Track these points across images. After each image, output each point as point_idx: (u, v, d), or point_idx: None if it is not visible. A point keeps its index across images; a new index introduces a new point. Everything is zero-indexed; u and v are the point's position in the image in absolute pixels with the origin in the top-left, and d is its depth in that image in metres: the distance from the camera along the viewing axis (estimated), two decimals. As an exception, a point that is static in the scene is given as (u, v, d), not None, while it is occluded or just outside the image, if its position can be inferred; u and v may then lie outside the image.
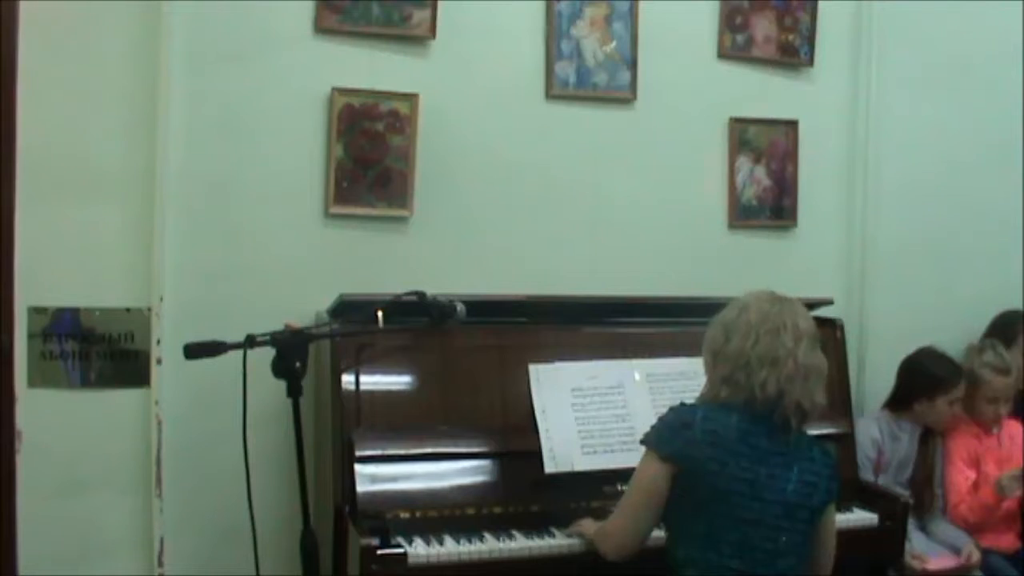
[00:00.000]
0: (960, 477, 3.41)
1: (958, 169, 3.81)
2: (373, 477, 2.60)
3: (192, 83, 2.92)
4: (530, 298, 2.98)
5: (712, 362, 2.41)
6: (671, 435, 2.33)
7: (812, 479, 2.35)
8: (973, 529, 3.34)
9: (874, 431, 3.36)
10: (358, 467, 2.59)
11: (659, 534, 2.44)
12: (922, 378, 3.37)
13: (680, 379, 2.86)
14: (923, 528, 3.36)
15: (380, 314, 2.61)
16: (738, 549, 2.27)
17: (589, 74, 3.33)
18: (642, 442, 2.38)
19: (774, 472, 2.30)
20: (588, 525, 2.58)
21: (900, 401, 3.43)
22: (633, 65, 3.36)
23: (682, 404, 2.41)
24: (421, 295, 2.63)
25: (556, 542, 2.58)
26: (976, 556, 3.23)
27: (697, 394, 2.79)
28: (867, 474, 3.25)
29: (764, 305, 2.39)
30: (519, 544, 2.57)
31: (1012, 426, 3.53)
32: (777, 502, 2.29)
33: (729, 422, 2.30)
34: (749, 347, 2.32)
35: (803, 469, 2.34)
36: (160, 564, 2.88)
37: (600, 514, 2.58)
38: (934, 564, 3.19)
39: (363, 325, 2.65)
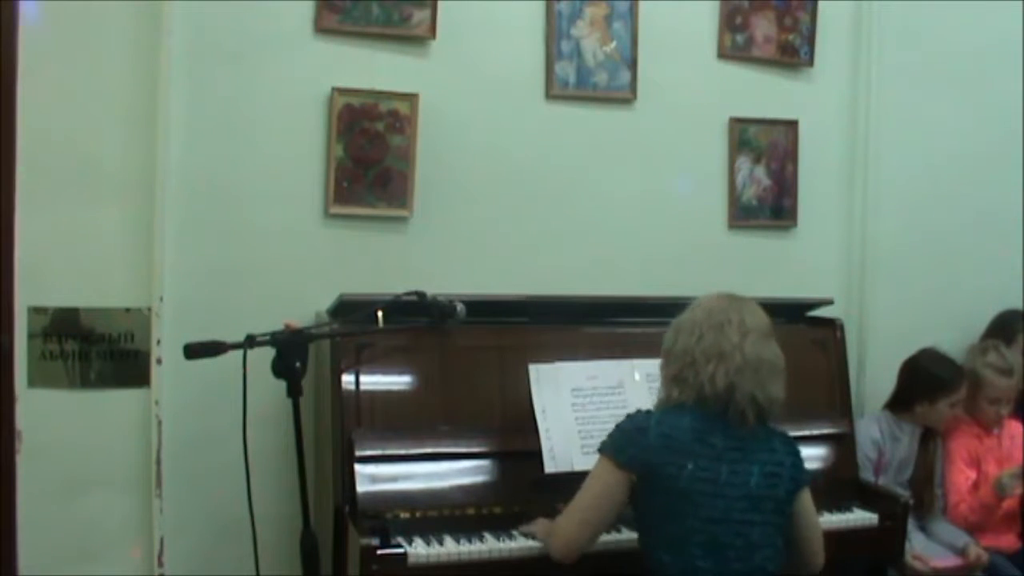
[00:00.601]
0: (961, 477, 3.41)
1: (958, 169, 3.82)
2: (373, 477, 2.60)
3: (192, 83, 2.92)
4: (530, 298, 2.98)
5: (664, 363, 2.43)
6: (626, 442, 2.34)
7: (775, 470, 2.35)
8: (974, 529, 3.35)
9: (874, 432, 3.36)
10: (358, 467, 2.59)
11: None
12: (923, 380, 3.36)
13: (680, 379, 2.86)
14: (923, 528, 3.36)
15: (380, 314, 2.61)
16: (708, 549, 2.27)
17: (589, 74, 3.33)
18: (599, 450, 2.38)
19: (735, 468, 2.31)
20: (542, 526, 2.57)
21: (901, 402, 3.42)
22: (633, 65, 3.36)
23: (637, 411, 2.42)
24: (421, 295, 2.64)
25: (556, 542, 2.58)
26: (985, 557, 3.23)
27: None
28: (867, 474, 3.24)
29: (712, 303, 2.42)
30: (519, 544, 2.57)
31: (1013, 426, 3.53)
32: (742, 497, 2.30)
33: (683, 424, 2.31)
34: (694, 343, 2.35)
35: (765, 461, 2.34)
36: (160, 564, 2.88)
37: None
38: (938, 563, 3.19)
39: (363, 325, 2.65)
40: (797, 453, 2.43)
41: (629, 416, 2.41)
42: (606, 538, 2.58)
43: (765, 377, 2.34)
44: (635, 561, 2.45)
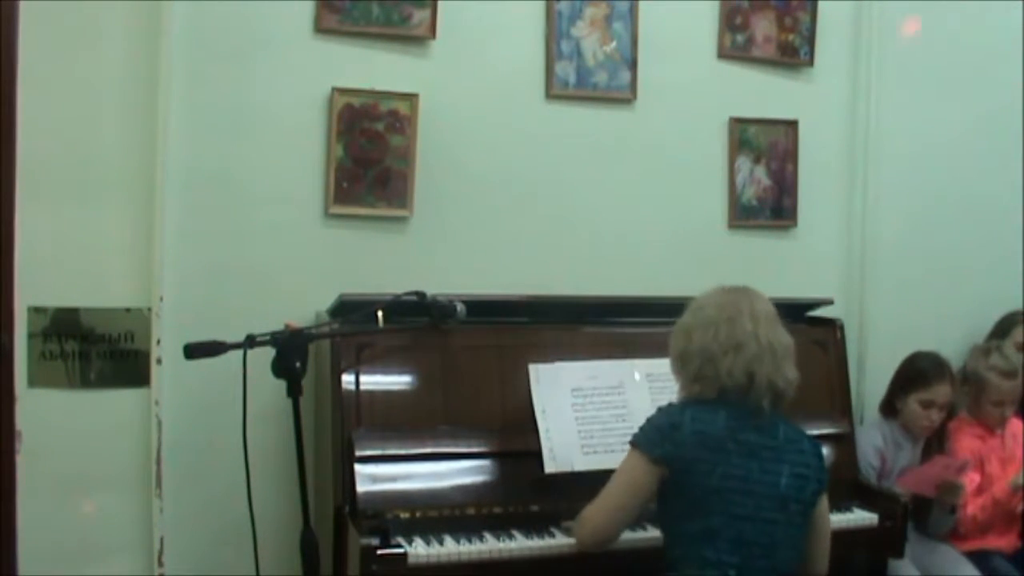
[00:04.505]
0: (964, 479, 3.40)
1: (958, 169, 3.82)
2: (373, 477, 2.60)
3: (192, 82, 2.92)
4: (530, 298, 2.98)
5: (680, 366, 2.44)
6: (660, 437, 2.35)
7: (804, 471, 2.38)
8: (980, 530, 3.33)
9: (877, 439, 3.34)
10: (358, 467, 2.59)
11: (656, 534, 2.45)
12: (902, 371, 3.37)
13: (680, 379, 2.86)
14: (923, 530, 3.35)
15: (380, 314, 2.61)
16: (734, 545, 2.29)
17: (589, 74, 3.33)
18: (631, 442, 2.39)
19: (766, 467, 2.34)
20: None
21: (887, 401, 3.40)
22: (633, 65, 3.36)
23: (670, 404, 2.44)
24: (421, 295, 2.64)
25: (556, 542, 2.58)
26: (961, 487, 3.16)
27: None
28: (870, 482, 3.22)
29: (719, 298, 2.45)
30: (519, 544, 2.57)
31: (1015, 425, 3.52)
32: (771, 496, 2.32)
33: (717, 421, 2.34)
34: (711, 339, 2.37)
35: (795, 462, 2.38)
36: (160, 564, 2.88)
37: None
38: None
39: (363, 325, 2.65)
40: (822, 456, 2.47)
41: (661, 410, 2.42)
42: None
43: (781, 360, 2.38)
44: (640, 562, 2.45)
